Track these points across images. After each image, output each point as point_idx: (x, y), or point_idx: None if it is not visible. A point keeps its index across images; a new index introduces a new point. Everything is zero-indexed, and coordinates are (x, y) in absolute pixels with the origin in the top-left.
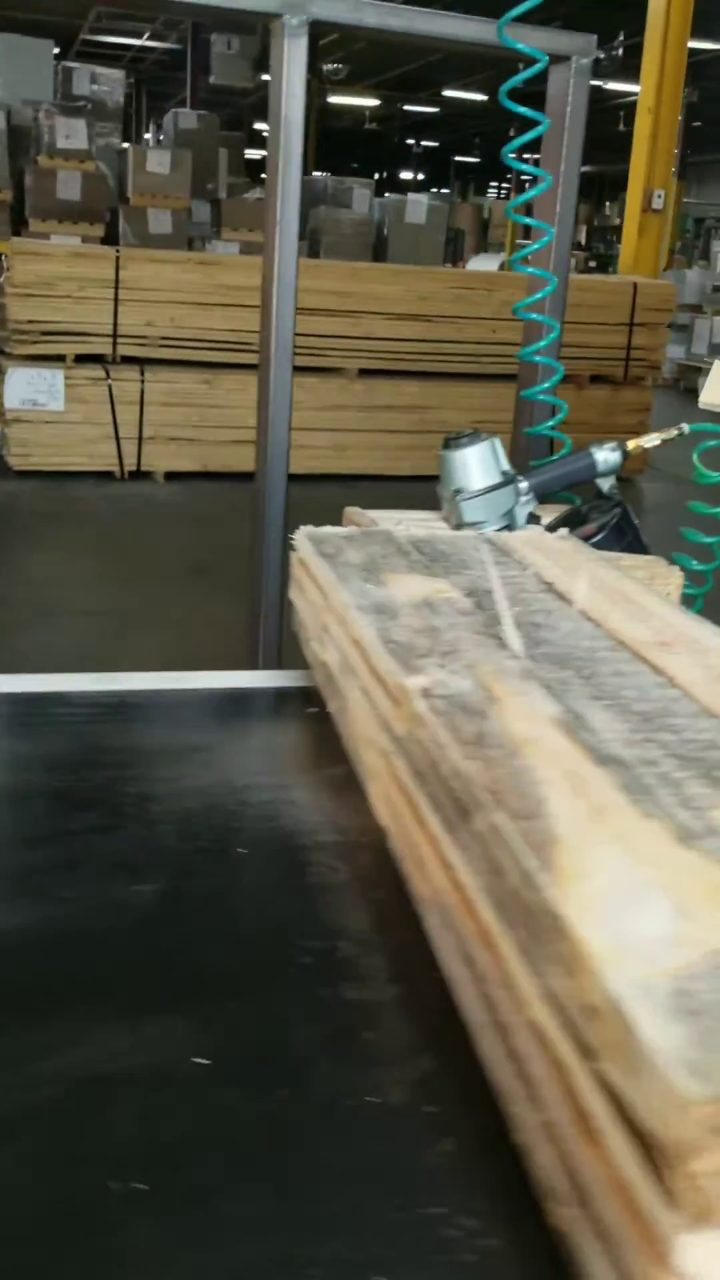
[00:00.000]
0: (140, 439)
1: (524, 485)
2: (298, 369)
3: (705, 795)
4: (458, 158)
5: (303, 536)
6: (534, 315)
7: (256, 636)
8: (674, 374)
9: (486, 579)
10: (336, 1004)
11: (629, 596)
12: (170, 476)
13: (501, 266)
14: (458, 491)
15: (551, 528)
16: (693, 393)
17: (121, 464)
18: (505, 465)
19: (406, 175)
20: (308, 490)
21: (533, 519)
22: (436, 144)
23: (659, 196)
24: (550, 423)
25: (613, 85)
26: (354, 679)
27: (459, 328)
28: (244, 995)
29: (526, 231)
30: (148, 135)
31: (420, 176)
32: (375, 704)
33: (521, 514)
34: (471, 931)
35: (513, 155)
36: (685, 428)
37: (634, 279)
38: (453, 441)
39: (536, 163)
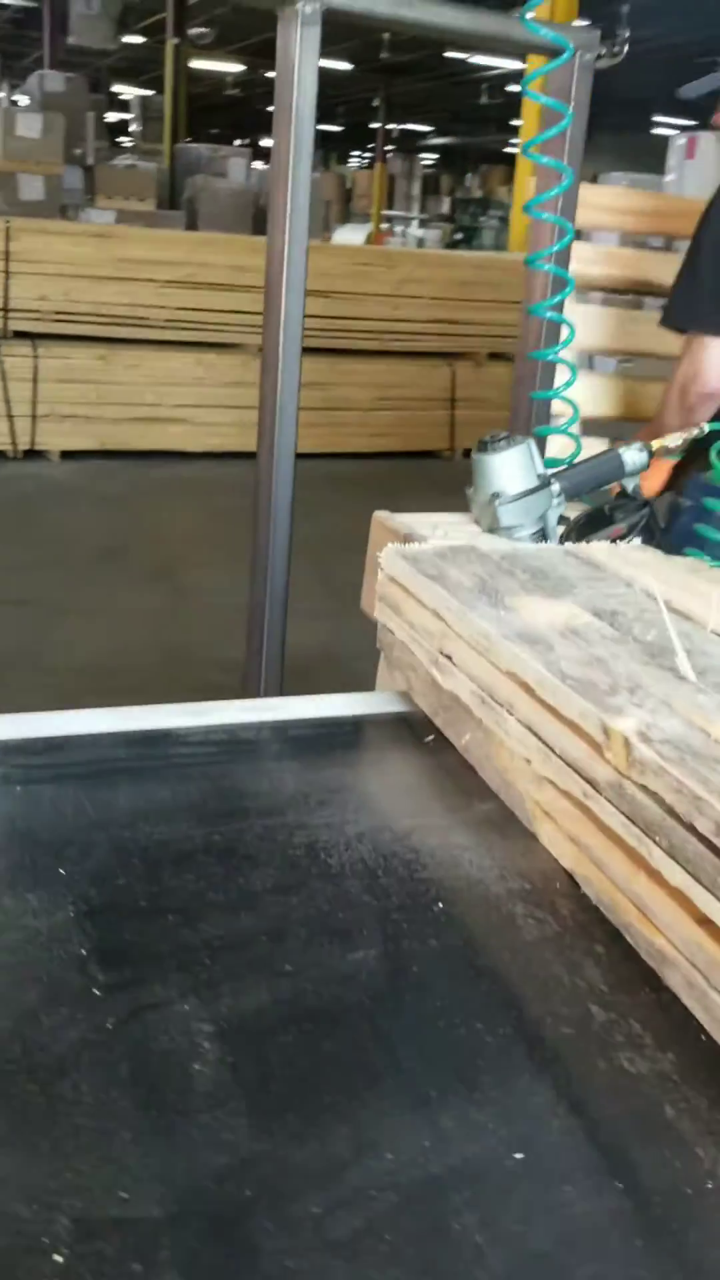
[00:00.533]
0: (34, 416)
1: (555, 488)
2: (195, 344)
3: None
4: (320, 126)
5: (395, 555)
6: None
7: (259, 653)
8: None
9: (605, 598)
10: (625, 1079)
11: None
12: (66, 455)
13: (368, 238)
14: (496, 495)
15: (576, 527)
16: None
17: (14, 442)
18: (541, 468)
19: (268, 143)
20: (217, 467)
21: (561, 520)
22: None
23: None
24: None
25: (476, 59)
26: (502, 713)
27: (361, 304)
28: (527, 1074)
29: (390, 203)
30: (1, 94)
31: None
32: (552, 743)
33: (553, 517)
34: None
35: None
36: (705, 427)
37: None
38: (489, 444)
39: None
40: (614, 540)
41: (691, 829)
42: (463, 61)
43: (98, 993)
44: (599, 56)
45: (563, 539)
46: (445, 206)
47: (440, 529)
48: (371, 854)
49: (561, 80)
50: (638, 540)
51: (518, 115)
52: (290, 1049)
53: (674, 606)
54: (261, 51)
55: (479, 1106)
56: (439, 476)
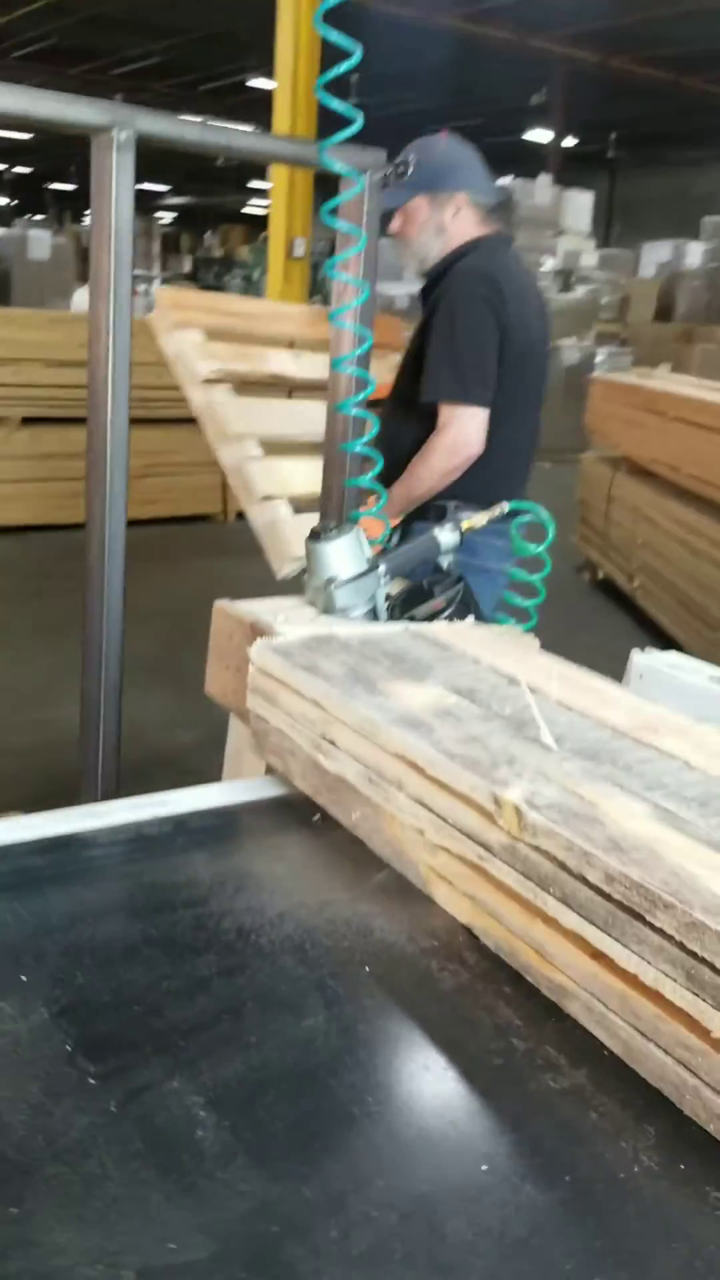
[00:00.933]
0: None
1: (381, 569)
2: None
3: None
4: (53, 185)
5: (265, 649)
6: (350, 370)
7: (93, 746)
8: None
9: (460, 677)
10: (552, 1094)
11: (581, 681)
12: None
13: None
14: (330, 580)
15: (400, 602)
16: None
17: None
18: (369, 553)
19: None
20: (15, 541)
21: (386, 598)
22: (30, 170)
23: (300, 244)
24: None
25: (214, 122)
26: (391, 790)
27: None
28: (476, 1101)
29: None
30: None
31: (13, 203)
32: (444, 814)
33: (381, 595)
34: (653, 1012)
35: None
36: (505, 506)
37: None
38: (322, 534)
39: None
40: (435, 613)
41: (583, 879)
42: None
43: (93, 1081)
44: (385, 178)
45: (389, 614)
46: (187, 265)
47: (281, 614)
48: (296, 930)
49: (353, 201)
50: (454, 613)
51: (254, 176)
52: (275, 1107)
53: (517, 680)
54: None
55: (444, 1133)
56: (213, 540)
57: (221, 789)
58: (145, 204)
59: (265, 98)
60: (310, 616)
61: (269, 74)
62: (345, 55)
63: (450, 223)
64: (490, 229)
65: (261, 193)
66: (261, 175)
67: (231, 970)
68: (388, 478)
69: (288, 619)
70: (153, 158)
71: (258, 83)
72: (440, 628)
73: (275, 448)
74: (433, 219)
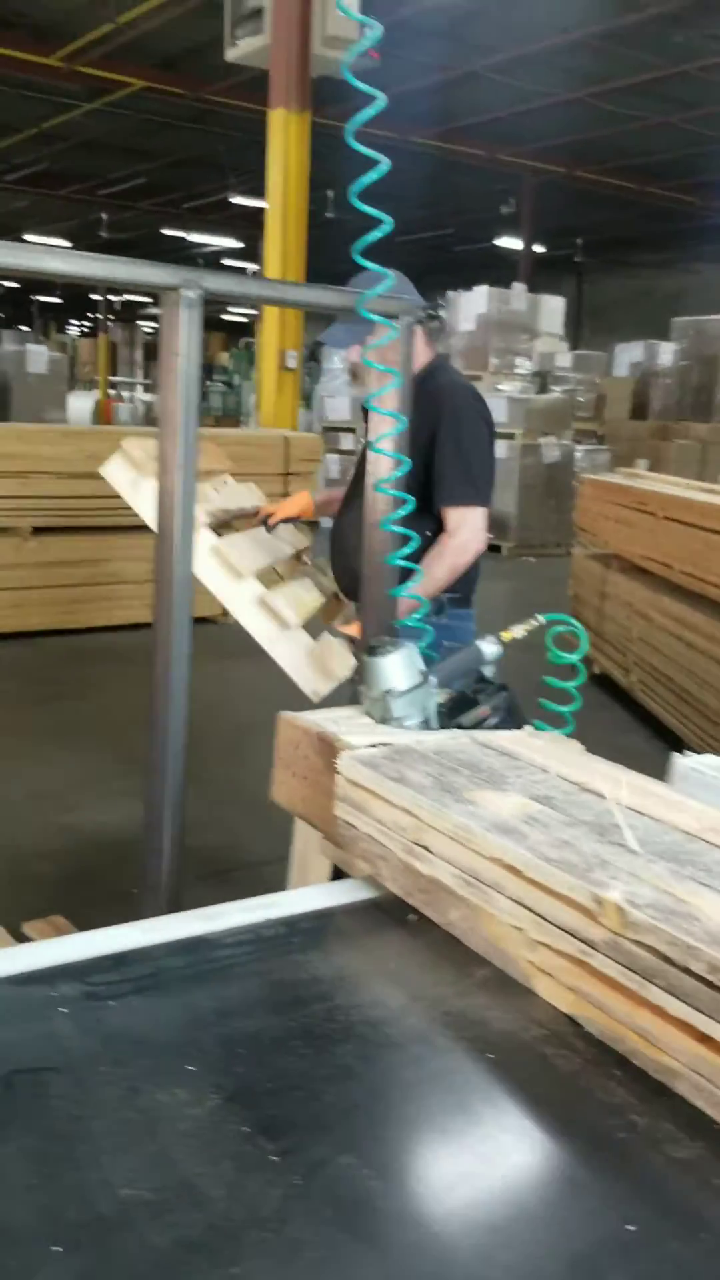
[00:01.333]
0: None
1: (433, 680)
2: None
3: None
4: (38, 297)
5: (353, 761)
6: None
7: (158, 850)
8: None
9: (534, 785)
10: (677, 1163)
11: (645, 786)
12: None
13: (96, 405)
14: (387, 692)
15: (447, 710)
16: (313, 524)
17: None
18: (421, 665)
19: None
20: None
21: (439, 707)
22: (16, 284)
23: (291, 357)
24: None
25: (194, 237)
26: (489, 891)
27: None
28: (614, 1170)
29: (115, 369)
30: None
31: (1, 316)
32: (544, 913)
33: (432, 705)
34: None
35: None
36: (541, 618)
37: (284, 433)
38: (378, 649)
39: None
40: (481, 720)
41: (687, 970)
42: (181, 239)
43: (275, 1158)
44: (416, 319)
45: (441, 725)
46: None
47: (343, 724)
48: (419, 1022)
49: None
50: (501, 720)
51: None
52: (443, 1177)
53: (588, 787)
54: None
55: (588, 1197)
56: (216, 640)
57: (318, 892)
58: (129, 314)
59: (246, 213)
60: (368, 726)
61: (249, 192)
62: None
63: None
64: (434, 350)
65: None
66: None
67: (371, 1058)
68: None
69: (350, 729)
70: None
71: (239, 200)
72: (502, 737)
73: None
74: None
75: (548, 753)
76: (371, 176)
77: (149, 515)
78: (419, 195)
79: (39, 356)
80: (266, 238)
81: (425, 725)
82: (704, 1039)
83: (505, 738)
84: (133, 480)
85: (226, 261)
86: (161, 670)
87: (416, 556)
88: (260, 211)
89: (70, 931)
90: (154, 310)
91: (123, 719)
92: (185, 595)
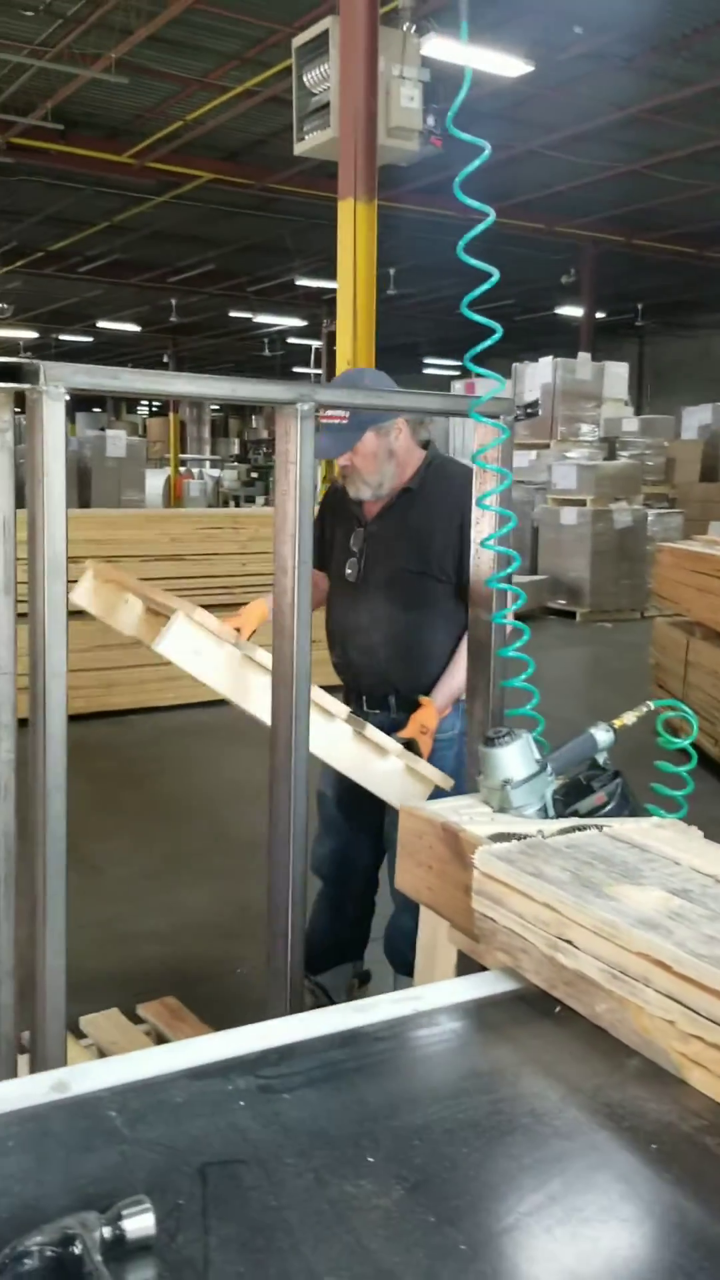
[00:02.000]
0: None
1: (549, 769)
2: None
3: None
4: None
5: (489, 856)
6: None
7: (284, 933)
8: None
9: (670, 879)
10: None
11: None
12: None
13: (167, 482)
14: (506, 781)
15: (562, 797)
16: None
17: None
18: (538, 754)
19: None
20: (80, 730)
21: (555, 794)
22: None
23: None
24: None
25: (259, 318)
26: (637, 985)
27: (211, 564)
28: None
29: (184, 447)
30: None
31: (70, 398)
32: (696, 1007)
33: (549, 793)
34: None
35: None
36: (651, 704)
37: None
38: (495, 739)
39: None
40: (598, 808)
41: None
42: (247, 320)
43: (464, 1248)
44: (516, 416)
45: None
46: (235, 447)
47: (465, 814)
48: (581, 1112)
49: (485, 437)
50: (615, 807)
51: (297, 363)
52: (625, 1262)
53: None
54: (53, 319)
55: None
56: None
57: (461, 985)
58: None
59: (310, 294)
60: (487, 815)
61: (312, 273)
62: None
63: (396, 446)
64: (419, 440)
65: (302, 377)
66: (305, 362)
67: (540, 1148)
68: (409, 671)
69: (472, 819)
70: (203, 354)
71: (304, 281)
72: (629, 829)
73: None
74: (382, 447)
75: (676, 844)
76: (484, 287)
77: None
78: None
79: (118, 441)
80: (338, 322)
81: (543, 813)
82: None
83: (632, 829)
84: (195, 650)
85: (291, 340)
86: (282, 765)
87: (448, 652)
88: (324, 291)
89: (183, 1014)
90: None
91: (212, 796)
92: (304, 701)
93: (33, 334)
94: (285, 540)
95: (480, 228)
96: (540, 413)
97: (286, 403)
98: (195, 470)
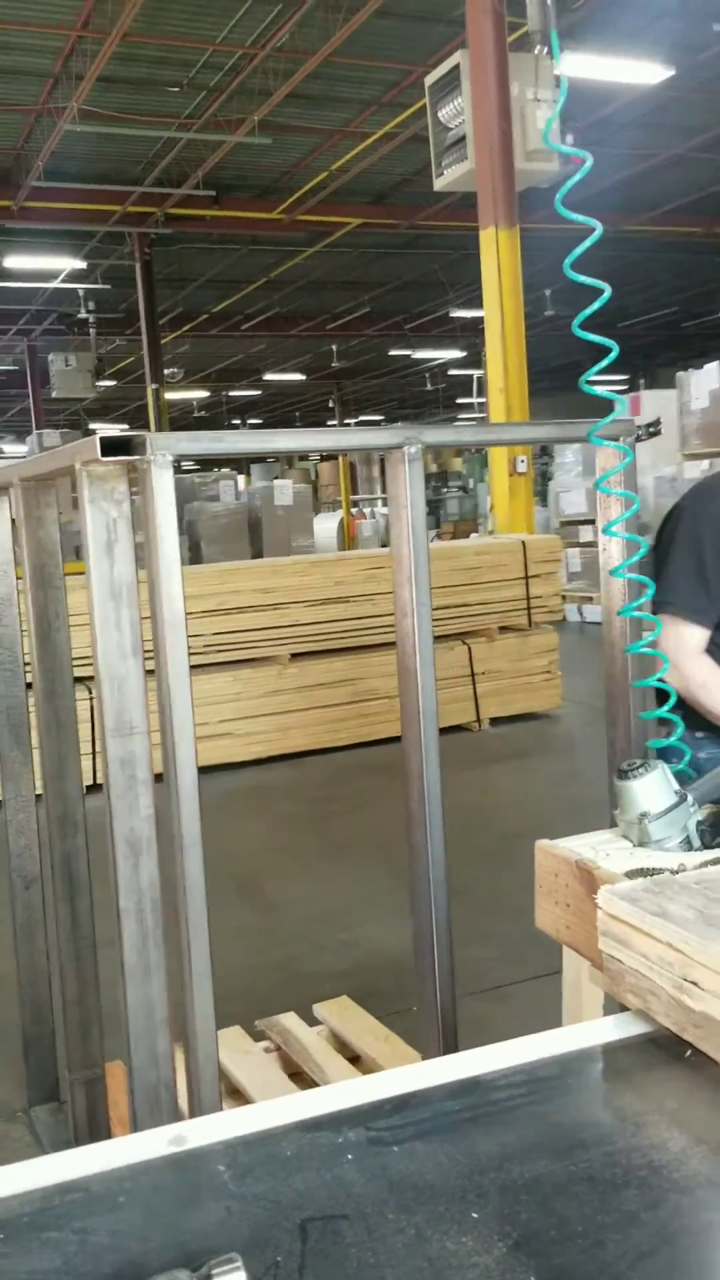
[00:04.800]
0: (94, 753)
1: (690, 799)
2: (234, 663)
3: None
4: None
5: (612, 896)
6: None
7: (430, 979)
8: None
9: None
10: None
11: None
12: None
13: (341, 524)
14: (643, 815)
15: (708, 827)
16: (559, 620)
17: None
18: (675, 784)
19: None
20: (263, 773)
21: (701, 825)
22: (260, 421)
23: (522, 462)
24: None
25: (418, 354)
26: None
27: (375, 604)
28: None
29: (355, 487)
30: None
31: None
32: None
33: (692, 824)
34: None
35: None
36: None
37: (522, 537)
38: (629, 771)
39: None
40: None
41: None
42: (407, 357)
43: None
44: (639, 437)
45: (701, 839)
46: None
47: (602, 850)
48: (702, 1165)
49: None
50: None
51: (461, 394)
52: None
53: None
54: (222, 376)
55: None
56: (470, 747)
57: (592, 1028)
58: None
59: (466, 324)
60: (627, 850)
61: (466, 304)
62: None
63: None
64: None
65: (466, 407)
66: (468, 392)
67: (655, 1204)
68: None
69: (609, 855)
70: (367, 395)
71: (459, 312)
72: None
73: None
74: None
75: None
76: (595, 305)
77: None
78: (636, 279)
79: (285, 490)
80: (487, 350)
81: (686, 845)
82: None
83: None
84: None
85: (452, 372)
86: (416, 807)
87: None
88: (480, 321)
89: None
90: (389, 428)
91: (390, 833)
92: (433, 740)
93: (204, 393)
94: (403, 584)
95: (587, 243)
96: (662, 431)
97: (393, 447)
98: (367, 511)
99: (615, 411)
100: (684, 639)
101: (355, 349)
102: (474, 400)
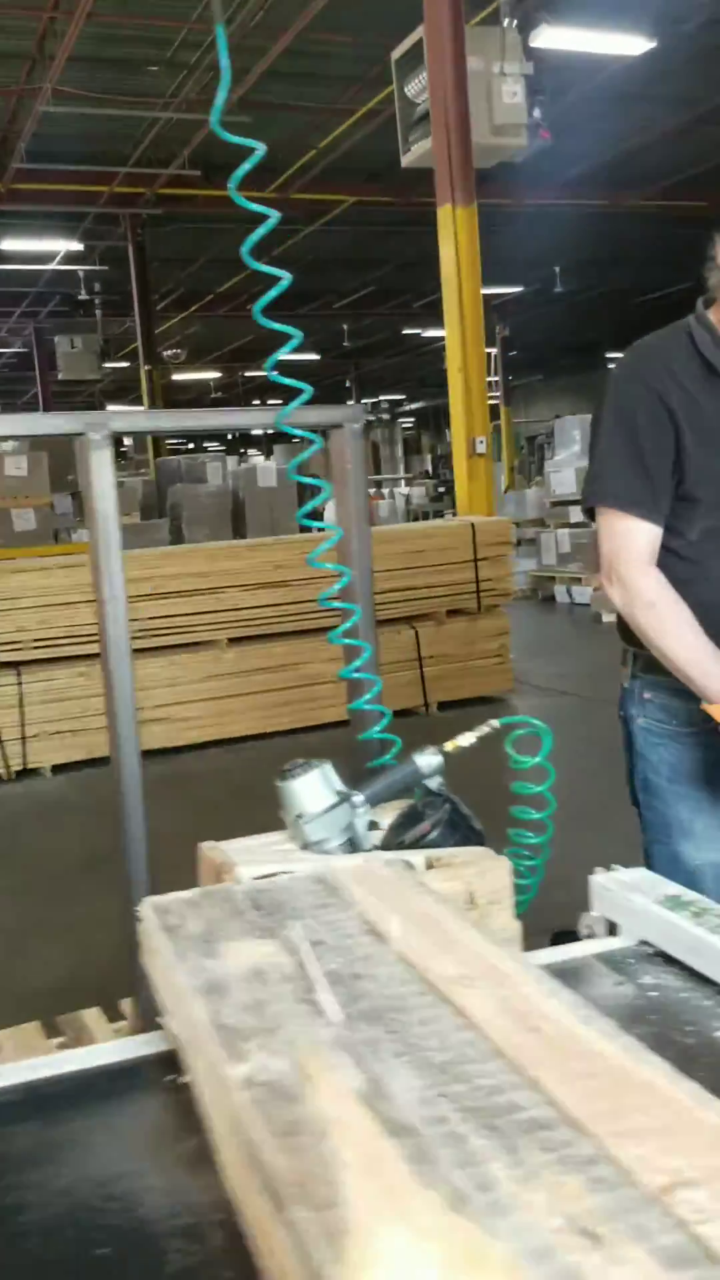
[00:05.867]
0: (24, 738)
1: (358, 799)
2: (171, 647)
3: (483, 1148)
4: None
5: (148, 908)
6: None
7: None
8: (530, 585)
9: (320, 928)
10: None
11: (440, 926)
12: (58, 769)
13: None
14: (299, 816)
15: (395, 827)
16: (549, 600)
17: (7, 765)
18: (339, 785)
19: (258, 432)
20: (195, 760)
21: (373, 825)
22: (280, 401)
23: (481, 443)
24: (357, 662)
25: (429, 333)
26: (199, 1056)
27: (316, 588)
28: None
29: (378, 467)
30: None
31: (270, 433)
32: (218, 1085)
33: (361, 824)
34: None
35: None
36: (496, 723)
37: (471, 520)
38: (288, 773)
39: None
40: (422, 837)
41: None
42: (418, 335)
43: None
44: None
45: (385, 842)
46: (428, 463)
47: (258, 852)
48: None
49: (337, 448)
50: (439, 836)
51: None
52: None
53: (375, 928)
54: (235, 357)
55: None
56: (417, 730)
57: (124, 1045)
58: (388, 411)
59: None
60: (285, 853)
61: None
62: None
63: None
64: None
65: (492, 384)
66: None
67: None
68: None
69: (260, 858)
70: (386, 374)
71: None
72: (351, 868)
73: None
74: None
75: (378, 884)
76: (274, 293)
77: None
78: (648, 255)
79: (268, 472)
80: (447, 330)
81: (350, 847)
82: (272, 1251)
83: (353, 870)
84: None
85: None
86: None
87: None
88: (491, 298)
89: None
90: (409, 406)
91: None
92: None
93: (218, 374)
94: (102, 583)
95: (264, 229)
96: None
97: (76, 434)
98: (385, 490)
99: (301, 397)
100: (632, 539)
101: (367, 328)
102: (491, 379)
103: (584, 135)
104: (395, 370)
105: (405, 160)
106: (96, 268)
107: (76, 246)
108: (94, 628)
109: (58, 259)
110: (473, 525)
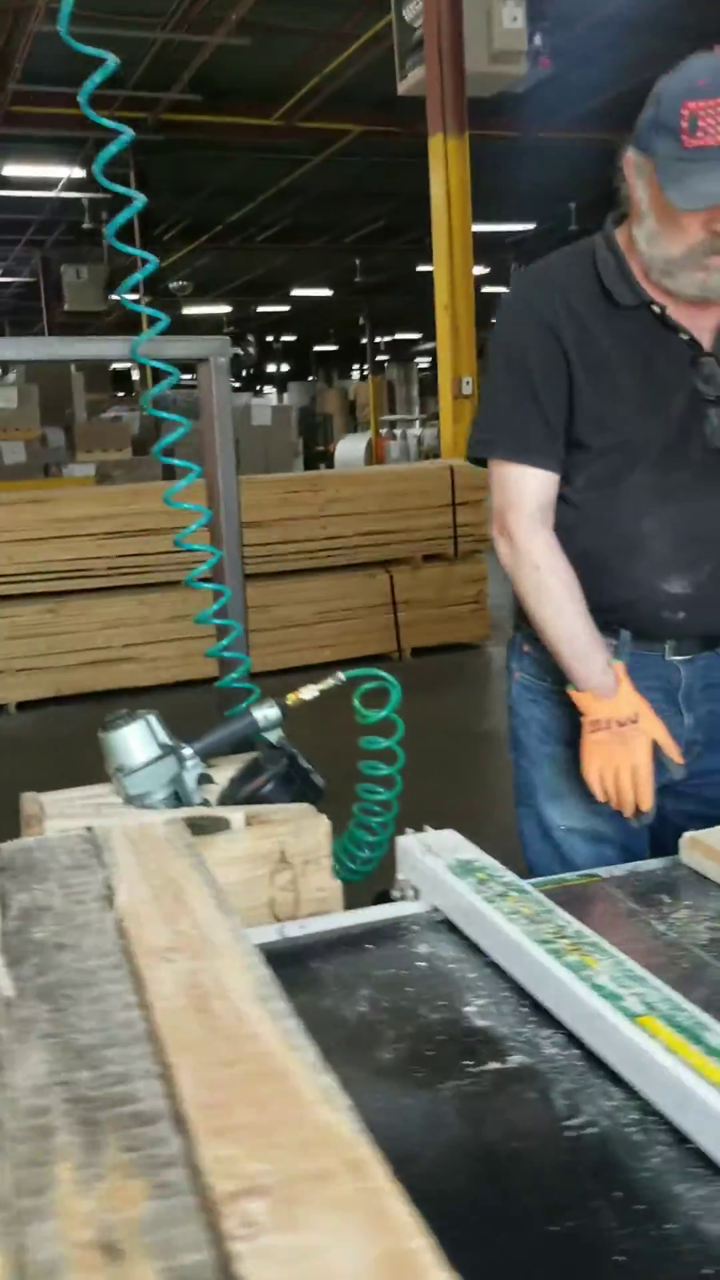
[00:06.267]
0: None
1: (188, 752)
2: (140, 586)
3: (64, 1145)
4: (317, 347)
5: None
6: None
7: None
8: None
9: (54, 893)
10: None
11: (180, 894)
12: (23, 706)
13: (368, 445)
14: (119, 769)
15: (234, 781)
16: None
17: None
18: (163, 738)
19: (271, 369)
20: (166, 698)
21: (205, 779)
22: (294, 338)
23: (467, 383)
24: (225, 641)
25: (423, 268)
26: None
27: (289, 529)
28: None
29: (393, 407)
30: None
31: (285, 368)
32: None
33: (190, 778)
34: None
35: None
36: (341, 675)
37: (450, 463)
38: (109, 723)
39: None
40: (256, 791)
41: None
42: (431, 272)
43: None
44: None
45: (224, 796)
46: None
47: (78, 804)
48: None
49: (204, 384)
50: (274, 790)
51: (491, 313)
52: None
53: (106, 894)
54: (248, 290)
55: None
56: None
57: None
58: (404, 353)
59: (490, 240)
60: (105, 807)
61: (490, 218)
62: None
63: None
64: None
65: None
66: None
67: None
68: None
69: (76, 810)
70: (401, 311)
71: (480, 227)
72: (129, 827)
73: None
74: None
75: (149, 846)
76: (125, 215)
77: None
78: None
79: (262, 410)
80: (435, 266)
81: (174, 801)
82: None
83: (131, 830)
84: None
85: (485, 289)
86: None
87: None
88: (506, 235)
89: None
90: (425, 346)
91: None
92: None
93: (228, 308)
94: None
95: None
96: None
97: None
98: (397, 431)
99: (156, 326)
100: (525, 489)
101: (380, 264)
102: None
103: (596, 66)
104: (409, 308)
105: (401, 88)
106: (100, 195)
107: (79, 173)
108: (62, 565)
109: (61, 185)
110: (451, 469)
